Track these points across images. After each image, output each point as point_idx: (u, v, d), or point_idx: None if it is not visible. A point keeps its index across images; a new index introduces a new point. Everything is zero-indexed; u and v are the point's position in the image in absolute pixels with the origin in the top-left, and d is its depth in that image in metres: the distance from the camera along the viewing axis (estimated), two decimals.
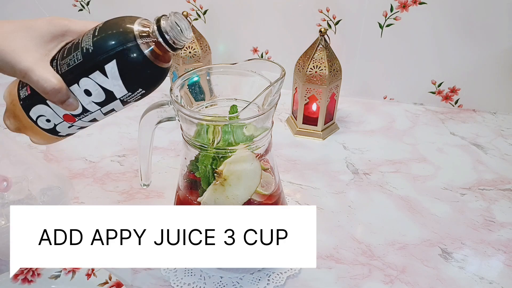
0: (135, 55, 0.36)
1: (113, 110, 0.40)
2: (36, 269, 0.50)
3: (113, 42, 0.36)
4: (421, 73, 0.83)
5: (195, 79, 0.46)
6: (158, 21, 0.37)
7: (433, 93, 0.84)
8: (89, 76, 0.37)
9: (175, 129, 0.76)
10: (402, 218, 0.60)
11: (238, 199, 0.44)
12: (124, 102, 0.39)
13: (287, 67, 0.46)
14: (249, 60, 0.45)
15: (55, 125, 0.41)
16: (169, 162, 0.70)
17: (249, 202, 0.45)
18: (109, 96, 0.38)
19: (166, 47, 0.37)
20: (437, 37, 0.78)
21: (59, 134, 0.42)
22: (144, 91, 0.39)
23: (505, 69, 0.78)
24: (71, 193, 0.56)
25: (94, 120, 0.41)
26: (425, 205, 0.62)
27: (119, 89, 0.38)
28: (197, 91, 0.47)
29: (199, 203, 0.45)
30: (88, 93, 0.38)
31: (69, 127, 0.41)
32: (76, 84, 0.37)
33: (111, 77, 0.37)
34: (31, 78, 0.36)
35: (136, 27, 0.37)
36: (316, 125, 0.76)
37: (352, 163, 0.70)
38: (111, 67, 0.36)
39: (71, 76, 0.37)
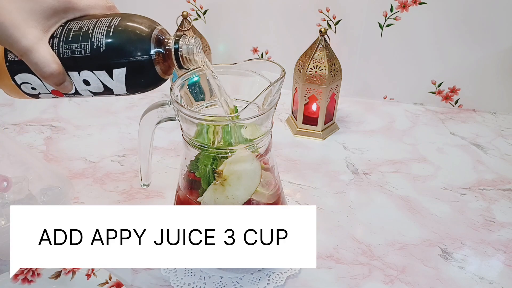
0: (146, 68, 0.36)
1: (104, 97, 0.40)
2: (36, 269, 0.50)
3: (127, 51, 0.35)
4: (421, 73, 0.83)
5: (195, 79, 0.46)
6: (176, 41, 0.37)
7: (433, 93, 0.84)
8: (93, 71, 0.36)
9: (175, 129, 0.76)
10: (402, 218, 0.60)
11: (238, 199, 0.44)
12: (118, 96, 0.39)
13: (287, 67, 0.46)
14: (249, 60, 0.45)
15: (39, 93, 0.40)
16: (169, 162, 0.70)
17: (249, 202, 0.45)
18: (107, 91, 0.38)
19: (176, 65, 0.38)
20: (437, 37, 0.78)
21: (39, 98, 0.41)
22: (140, 93, 0.39)
23: (505, 69, 0.78)
24: (71, 193, 0.56)
25: (81, 97, 0.41)
26: (425, 205, 0.62)
27: (120, 89, 0.38)
28: (197, 91, 0.47)
29: (199, 203, 0.45)
30: (86, 83, 0.37)
31: (52, 97, 0.41)
32: (76, 72, 0.37)
33: (115, 80, 0.37)
34: (30, 60, 0.35)
35: (153, 40, 0.36)
36: (316, 125, 0.76)
37: (352, 163, 0.70)
38: (119, 72, 0.36)
39: (73, 64, 0.36)
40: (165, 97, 0.86)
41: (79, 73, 0.37)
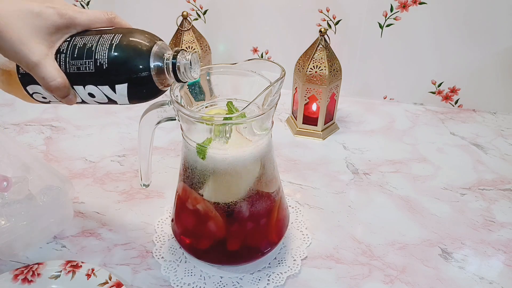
0: (146, 83, 0.38)
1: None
2: (36, 269, 0.50)
3: (128, 68, 0.37)
4: (421, 73, 0.83)
5: None
6: (174, 56, 0.39)
7: (433, 93, 0.84)
8: (97, 86, 0.38)
9: (175, 129, 0.76)
10: (402, 218, 0.60)
11: (238, 191, 0.45)
12: (121, 105, 0.41)
13: (287, 67, 0.46)
14: (249, 60, 0.45)
15: (50, 101, 0.42)
16: (169, 162, 0.70)
17: (249, 195, 0.46)
18: (111, 102, 0.40)
19: (174, 79, 0.40)
20: (437, 37, 0.78)
21: (50, 103, 0.43)
22: (142, 103, 0.41)
23: (505, 69, 0.78)
24: (71, 193, 0.56)
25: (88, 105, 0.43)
26: (425, 205, 0.62)
27: (122, 101, 0.39)
28: (197, 91, 0.47)
29: (201, 196, 0.45)
30: (91, 95, 0.39)
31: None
32: (81, 86, 0.39)
33: (118, 94, 0.38)
34: (37, 74, 0.36)
35: (152, 57, 0.38)
36: (316, 125, 0.76)
37: (352, 163, 0.70)
38: (121, 87, 0.38)
39: (78, 79, 0.38)
40: (165, 97, 0.86)
41: (84, 87, 0.39)
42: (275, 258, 0.53)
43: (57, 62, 0.38)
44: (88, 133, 0.77)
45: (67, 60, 0.38)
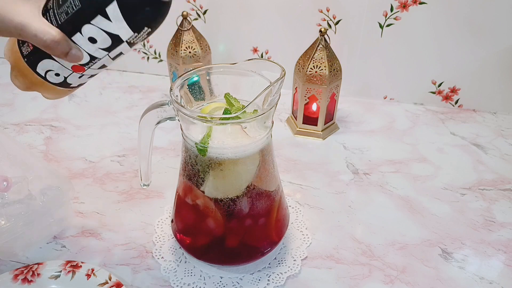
0: None
1: (121, 53, 0.39)
2: (36, 269, 0.50)
3: None
4: (421, 73, 0.83)
5: (195, 79, 0.47)
6: None
7: (433, 93, 0.84)
8: (91, 22, 0.35)
9: (175, 129, 0.76)
10: (402, 218, 0.60)
11: (238, 186, 0.45)
12: (131, 44, 0.38)
13: (287, 67, 0.46)
14: (249, 60, 0.45)
15: (65, 78, 0.40)
16: (169, 162, 0.70)
17: (248, 193, 0.46)
18: (115, 40, 0.37)
19: None
20: (437, 37, 0.78)
21: (70, 86, 0.42)
22: (149, 30, 0.37)
23: (505, 69, 0.78)
24: (71, 193, 0.56)
25: (104, 66, 0.40)
26: (425, 205, 0.62)
27: (125, 32, 0.36)
28: (197, 91, 0.47)
29: (202, 192, 0.45)
30: (93, 40, 0.37)
31: (79, 77, 0.41)
32: (78, 33, 0.36)
33: (114, 20, 0.35)
34: (28, 34, 0.35)
35: None
36: (316, 125, 0.76)
37: (352, 163, 0.70)
38: (113, 9, 0.35)
39: (71, 25, 0.36)
40: (165, 97, 0.86)
41: (81, 33, 0.36)
42: (275, 258, 0.53)
43: (48, 20, 0.36)
44: (88, 133, 0.77)
45: (56, 12, 0.36)
